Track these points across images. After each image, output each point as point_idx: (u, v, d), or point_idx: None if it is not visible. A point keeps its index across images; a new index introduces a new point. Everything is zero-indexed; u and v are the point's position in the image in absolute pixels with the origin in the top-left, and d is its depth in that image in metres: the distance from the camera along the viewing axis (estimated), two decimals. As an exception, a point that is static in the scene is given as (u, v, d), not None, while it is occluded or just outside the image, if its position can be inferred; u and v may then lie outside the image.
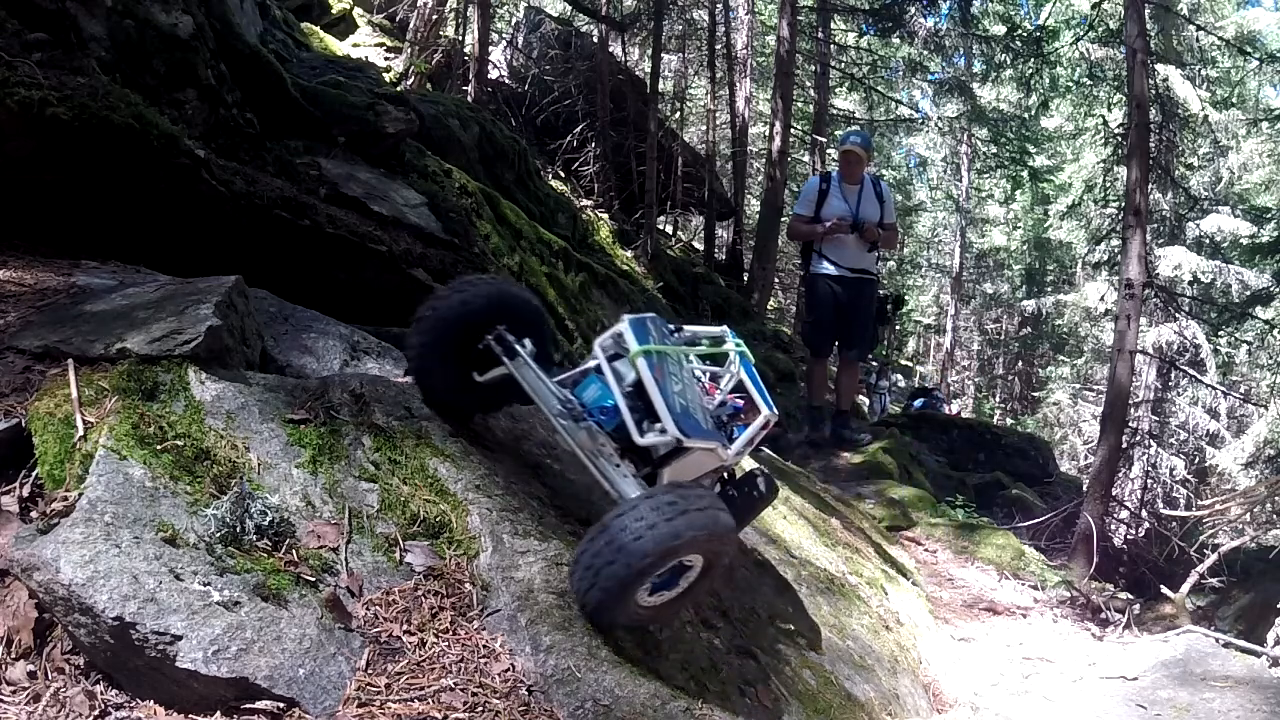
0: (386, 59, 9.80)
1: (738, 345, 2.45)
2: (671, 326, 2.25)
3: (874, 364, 12.45)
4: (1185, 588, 4.82)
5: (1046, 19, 12.56)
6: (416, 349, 2.06)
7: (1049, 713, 2.87)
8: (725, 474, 2.45)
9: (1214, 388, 12.93)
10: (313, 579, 1.59)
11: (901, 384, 18.63)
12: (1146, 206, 7.07)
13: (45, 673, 1.40)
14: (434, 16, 9.91)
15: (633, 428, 1.83)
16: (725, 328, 2.54)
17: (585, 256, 7.66)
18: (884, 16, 12.67)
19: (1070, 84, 14.01)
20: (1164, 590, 4.86)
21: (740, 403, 2.40)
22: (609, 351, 2.01)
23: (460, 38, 11.16)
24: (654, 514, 1.60)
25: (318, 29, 9.09)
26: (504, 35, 13.03)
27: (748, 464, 3.46)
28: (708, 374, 2.36)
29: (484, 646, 1.74)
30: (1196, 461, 14.62)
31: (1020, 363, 27.86)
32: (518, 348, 2.03)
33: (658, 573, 1.68)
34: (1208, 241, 13.86)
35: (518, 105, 11.50)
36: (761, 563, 2.73)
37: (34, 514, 1.52)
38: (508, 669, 1.70)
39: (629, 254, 10.77)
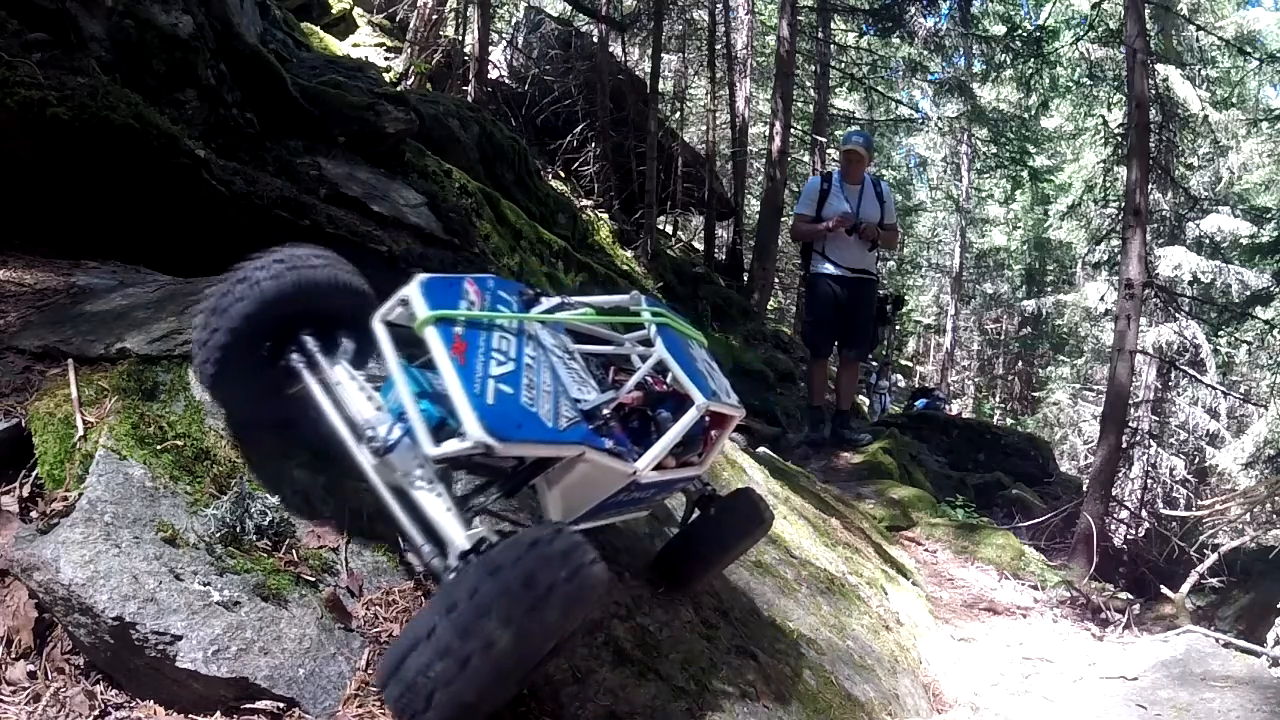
0: (386, 59, 9.81)
1: (657, 315, 1.93)
2: (533, 290, 1.77)
3: (874, 364, 12.47)
4: (1185, 588, 4.83)
5: (1046, 19, 12.56)
6: (210, 356, 1.56)
7: (1049, 713, 2.87)
8: (700, 492, 2.25)
9: (1214, 388, 12.92)
10: (313, 579, 1.59)
11: (902, 384, 18.65)
12: (1146, 206, 7.07)
13: (45, 673, 1.40)
14: (434, 16, 9.91)
15: (422, 433, 1.35)
16: (637, 294, 2.05)
17: (585, 256, 7.66)
18: (884, 16, 12.68)
19: (1070, 84, 14.02)
20: (1164, 590, 4.86)
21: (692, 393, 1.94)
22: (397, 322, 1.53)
23: (460, 38, 11.16)
24: (459, 629, 1.14)
25: (318, 29, 9.09)
26: (504, 35, 13.04)
27: (754, 475, 3.46)
28: (619, 356, 1.94)
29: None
30: (1196, 461, 14.62)
31: (1020, 363, 27.87)
32: (319, 357, 1.57)
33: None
34: (1208, 241, 13.85)
35: (518, 105, 11.50)
36: (761, 563, 2.73)
37: (34, 514, 1.52)
38: (508, 669, 1.70)
39: (629, 254, 10.78)
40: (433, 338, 1.41)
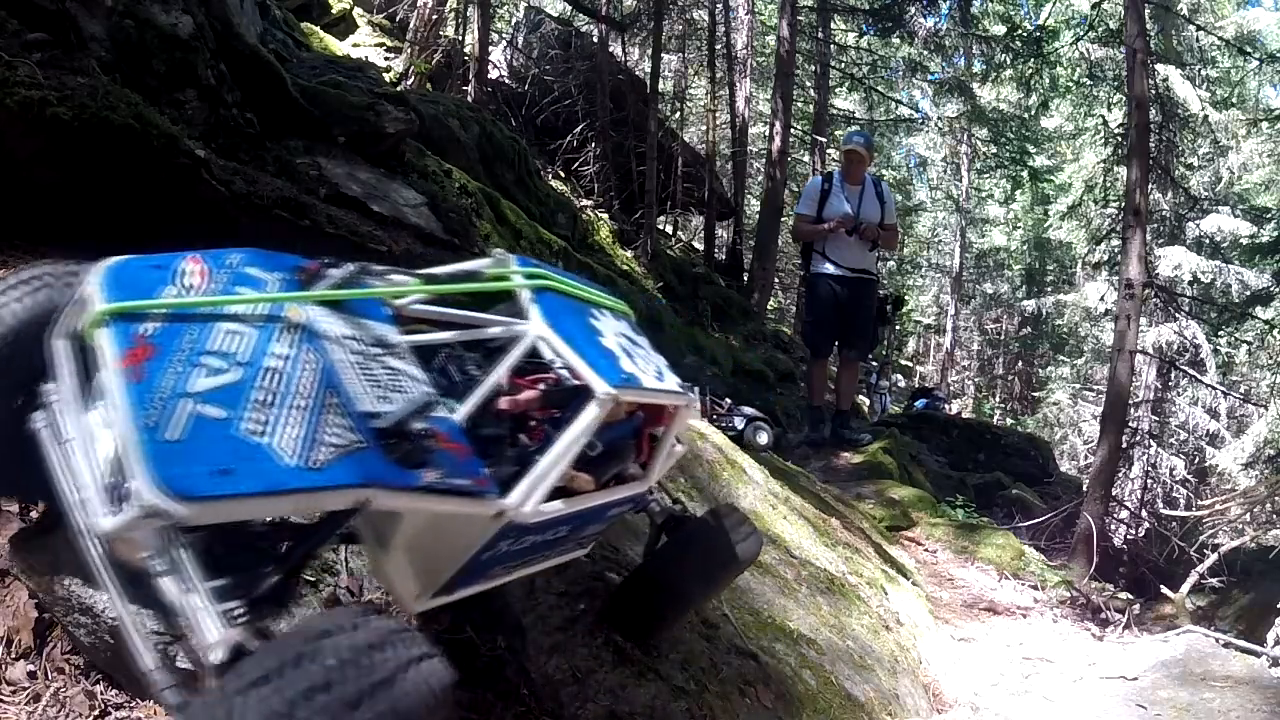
0: (386, 59, 9.80)
1: (535, 278, 1.48)
2: (320, 262, 1.31)
3: (874, 364, 12.46)
4: (1185, 588, 4.83)
5: (1046, 19, 12.54)
6: None
7: (1049, 713, 2.87)
8: (665, 512, 1.93)
9: (1214, 388, 12.92)
10: (313, 579, 1.59)
11: (902, 384, 18.65)
12: (1146, 206, 7.07)
13: (45, 673, 1.40)
14: (434, 16, 9.90)
15: (93, 495, 0.96)
16: (504, 253, 1.57)
17: (585, 256, 7.66)
18: (884, 16, 12.67)
19: (1070, 84, 14.00)
20: (1164, 590, 4.87)
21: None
22: (64, 331, 1.09)
23: (460, 38, 11.15)
24: None
25: (318, 29, 9.08)
26: (504, 35, 13.03)
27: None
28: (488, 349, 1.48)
29: (484, 645, 1.74)
30: (1196, 461, 14.61)
31: (1020, 363, 27.84)
32: (61, 402, 1.11)
33: None
34: (1208, 241, 13.84)
35: (518, 105, 11.50)
36: (761, 563, 2.72)
37: (33, 514, 1.52)
38: (509, 668, 1.70)
39: (629, 254, 10.77)
40: (104, 343, 0.98)
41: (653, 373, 1.61)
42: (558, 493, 1.38)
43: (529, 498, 1.27)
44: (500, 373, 1.36)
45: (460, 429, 1.25)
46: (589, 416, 1.34)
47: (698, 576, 1.88)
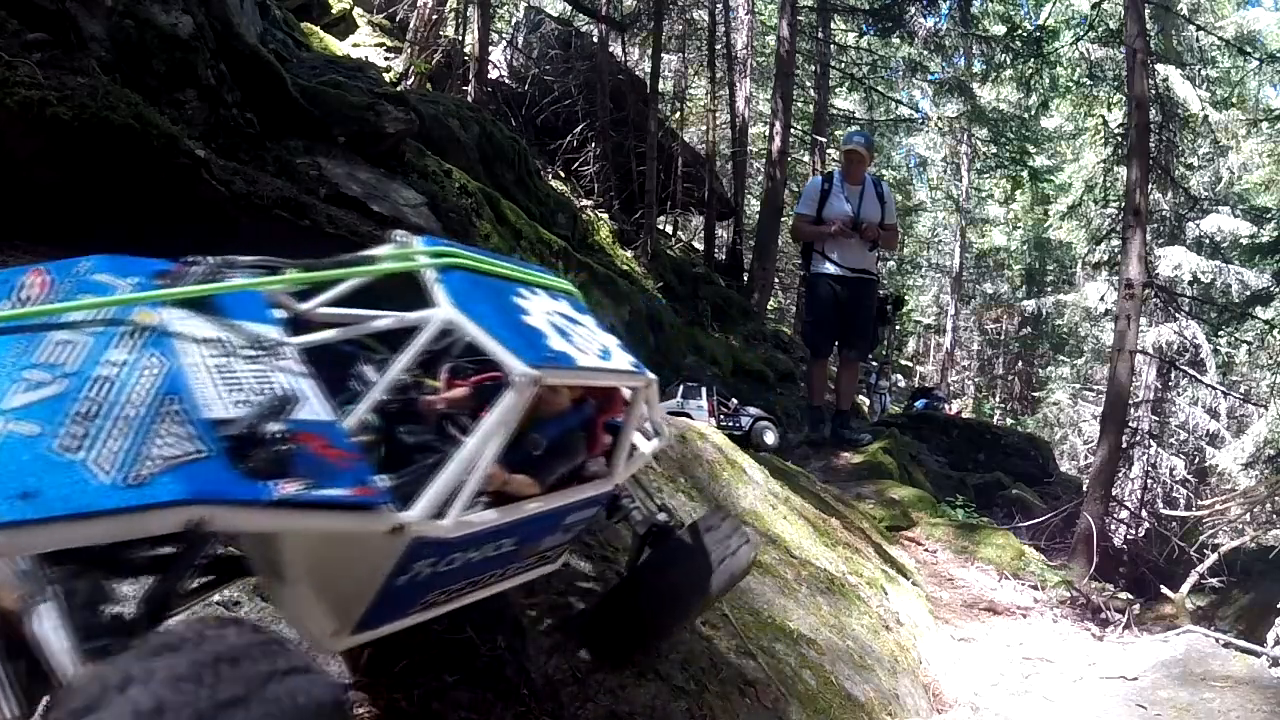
0: (386, 59, 9.80)
1: (442, 256, 1.34)
2: (186, 262, 1.20)
3: (874, 364, 12.47)
4: (1185, 588, 4.83)
5: (1046, 19, 12.55)
6: None
7: (1049, 713, 2.87)
8: (648, 521, 1.78)
9: (1214, 388, 12.92)
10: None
11: (902, 384, 18.66)
12: (1146, 206, 7.07)
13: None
14: (434, 16, 9.90)
15: None
16: (407, 235, 1.41)
17: (585, 256, 7.66)
18: (884, 16, 12.68)
19: (1070, 84, 13.99)
20: (1164, 590, 4.87)
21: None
22: None
23: (460, 38, 11.16)
24: None
25: (318, 29, 9.08)
26: (504, 35, 13.04)
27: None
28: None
29: (484, 645, 1.74)
30: (1196, 461, 14.61)
31: (1020, 363, 27.85)
32: None
33: None
34: (1208, 241, 13.85)
35: (518, 105, 11.50)
36: (761, 563, 2.72)
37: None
38: (508, 668, 1.70)
39: (629, 254, 10.77)
40: None
41: (594, 351, 1.41)
42: (495, 500, 1.24)
43: (445, 509, 1.11)
44: (401, 366, 1.21)
45: (346, 433, 1.10)
46: (506, 406, 1.17)
47: (681, 597, 1.72)
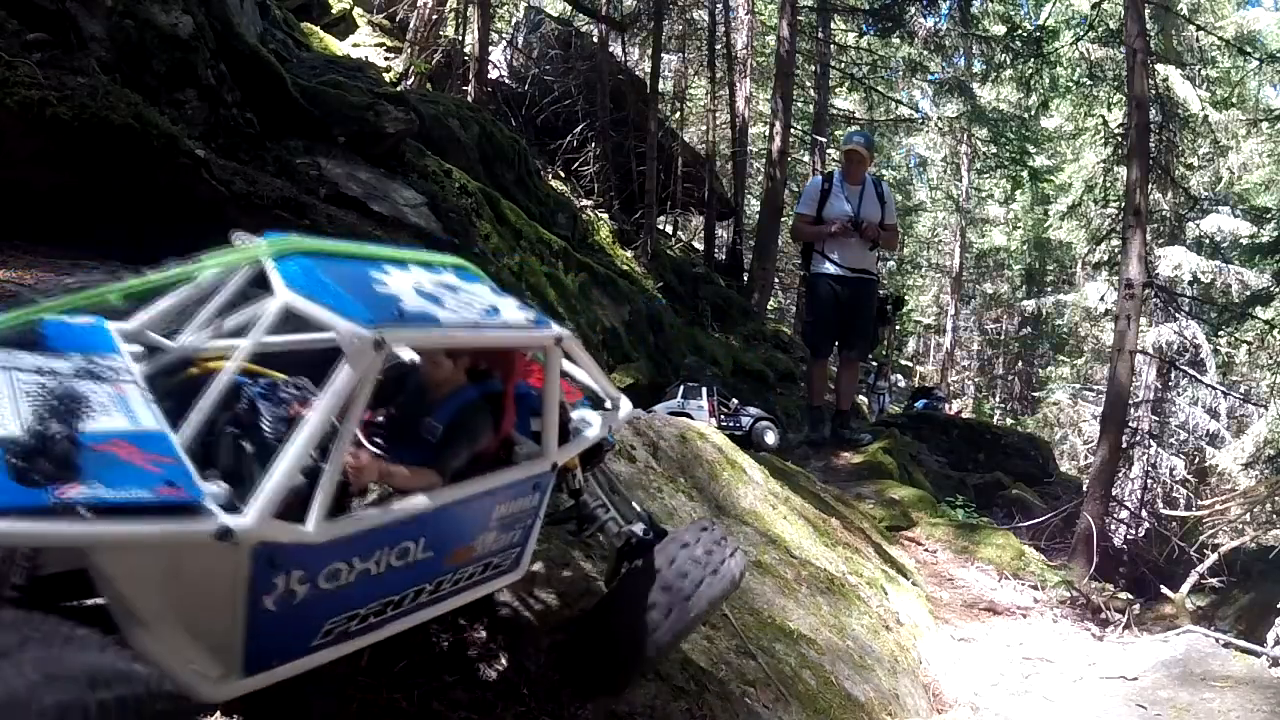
0: (386, 59, 9.80)
1: (278, 248, 1.24)
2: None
3: (872, 364, 12.47)
4: (1185, 588, 4.83)
5: (1046, 19, 12.54)
6: None
7: (1049, 713, 2.86)
8: (624, 535, 1.62)
9: (1214, 388, 12.92)
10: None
11: (901, 384, 18.66)
12: (1146, 206, 7.07)
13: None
14: (434, 16, 9.91)
15: None
16: (248, 236, 1.29)
17: (585, 256, 7.66)
18: (884, 16, 12.67)
19: (1070, 84, 13.98)
20: (1164, 590, 4.87)
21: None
22: None
23: (460, 38, 11.15)
24: None
25: (318, 29, 9.08)
26: (504, 35, 13.03)
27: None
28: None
29: (484, 645, 1.74)
30: (1196, 461, 14.60)
31: (1020, 363, 27.83)
32: None
33: None
34: (1208, 241, 13.85)
35: (518, 105, 11.50)
36: (761, 563, 2.72)
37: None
38: (508, 668, 1.70)
39: (629, 254, 10.77)
40: None
41: (474, 311, 1.26)
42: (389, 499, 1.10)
43: (304, 511, 0.97)
44: (239, 360, 1.13)
45: (169, 440, 1.02)
46: (344, 377, 1.02)
47: (658, 622, 1.52)
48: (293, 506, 0.99)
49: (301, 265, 1.22)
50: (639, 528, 1.61)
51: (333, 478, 1.02)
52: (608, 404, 1.60)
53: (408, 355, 1.35)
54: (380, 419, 1.25)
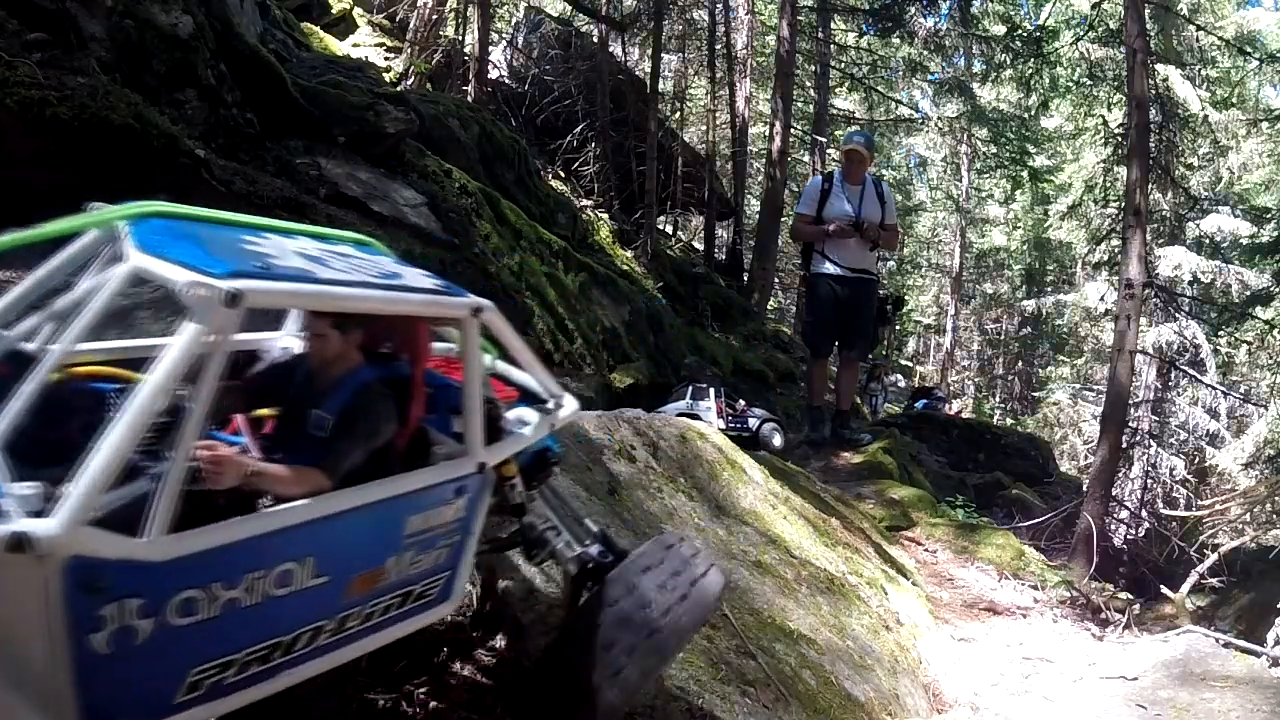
0: (386, 59, 9.80)
1: (134, 212, 1.09)
2: None
3: (868, 364, 12.46)
4: (1185, 588, 4.83)
5: (1046, 19, 12.54)
6: None
7: (1049, 713, 2.86)
8: (578, 557, 1.42)
9: (1214, 388, 12.92)
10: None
11: (902, 384, 18.65)
12: (1146, 206, 7.07)
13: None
14: (434, 16, 9.90)
15: None
16: (102, 205, 1.16)
17: (585, 256, 7.66)
18: (884, 16, 12.67)
19: (1070, 84, 13.98)
20: (1164, 590, 4.87)
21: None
22: None
23: (460, 38, 11.15)
24: None
25: (318, 29, 9.08)
26: (504, 35, 13.03)
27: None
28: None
29: (484, 644, 1.74)
30: (1196, 461, 14.60)
31: (1020, 363, 27.83)
32: None
33: None
34: (1208, 241, 13.85)
35: (518, 105, 11.50)
36: (761, 563, 2.72)
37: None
38: (509, 668, 1.70)
39: (629, 254, 10.77)
40: None
41: (364, 275, 1.06)
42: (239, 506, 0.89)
43: (142, 523, 0.77)
44: (77, 333, 0.94)
45: None
46: (186, 336, 0.83)
47: (621, 663, 1.29)
48: (134, 518, 0.79)
49: (158, 230, 1.05)
50: (595, 549, 1.41)
51: (177, 475, 0.81)
52: (548, 402, 1.37)
53: (296, 346, 1.15)
54: (267, 427, 1.06)
